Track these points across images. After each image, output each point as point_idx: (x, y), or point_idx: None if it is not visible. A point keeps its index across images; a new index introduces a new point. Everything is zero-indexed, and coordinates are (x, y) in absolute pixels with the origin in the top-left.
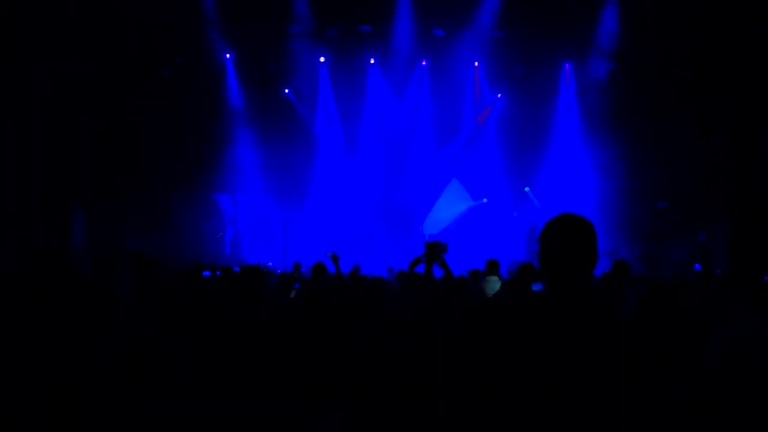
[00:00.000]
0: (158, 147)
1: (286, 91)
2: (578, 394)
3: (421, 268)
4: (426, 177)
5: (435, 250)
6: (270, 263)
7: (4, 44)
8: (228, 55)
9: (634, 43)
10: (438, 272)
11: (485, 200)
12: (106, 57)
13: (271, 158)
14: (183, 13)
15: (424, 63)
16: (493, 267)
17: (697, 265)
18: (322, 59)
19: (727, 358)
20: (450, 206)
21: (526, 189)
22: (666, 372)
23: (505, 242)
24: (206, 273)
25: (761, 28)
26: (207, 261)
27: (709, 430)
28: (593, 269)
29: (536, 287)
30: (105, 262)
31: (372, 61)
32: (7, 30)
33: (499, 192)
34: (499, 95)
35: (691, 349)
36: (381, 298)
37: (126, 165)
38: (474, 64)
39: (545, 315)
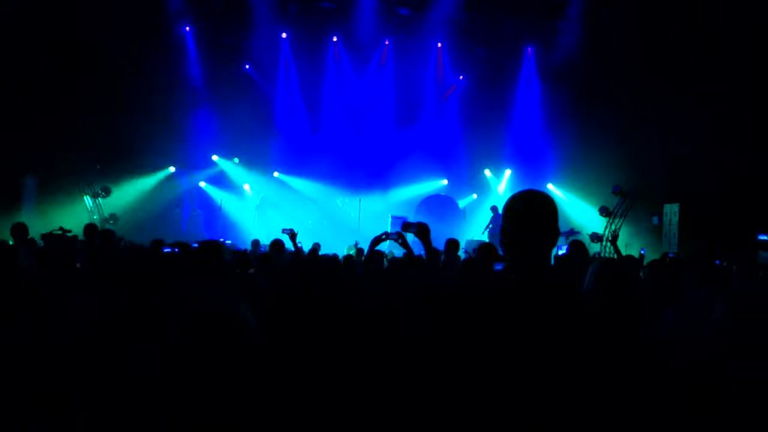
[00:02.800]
0: (115, 120)
1: (247, 66)
2: (548, 376)
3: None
4: (388, 156)
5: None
6: (228, 241)
7: None
8: (188, 28)
9: (596, 28)
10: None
11: (445, 181)
12: (63, 25)
13: (231, 134)
14: None
15: (387, 42)
16: (452, 247)
17: (642, 249)
18: (284, 35)
19: (679, 333)
20: None
21: (485, 171)
22: (627, 351)
23: (465, 224)
24: (167, 249)
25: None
26: (164, 237)
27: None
28: (554, 246)
29: (497, 267)
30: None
31: (335, 39)
32: None
33: (459, 172)
34: (462, 77)
35: (645, 326)
36: (339, 278)
37: (81, 138)
38: (437, 44)
39: (510, 295)
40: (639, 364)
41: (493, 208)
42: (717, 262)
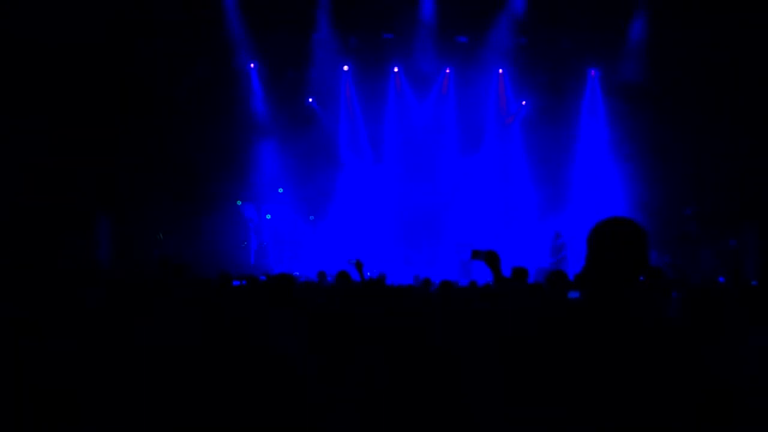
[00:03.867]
0: (183, 156)
1: (310, 100)
2: (628, 411)
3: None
4: (452, 185)
5: (482, 256)
6: (297, 273)
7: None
8: (252, 65)
9: (662, 48)
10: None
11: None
12: (131, 65)
13: (295, 167)
14: (207, 22)
15: (447, 71)
16: (520, 275)
17: (721, 277)
18: (345, 68)
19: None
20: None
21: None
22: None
23: (529, 250)
24: (236, 282)
25: None
26: (232, 270)
27: None
28: (639, 276)
29: (572, 295)
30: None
31: (395, 69)
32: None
33: (526, 199)
34: (524, 102)
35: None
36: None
37: (151, 174)
38: (498, 71)
39: (588, 325)
40: (728, 403)
41: (557, 234)
42: None
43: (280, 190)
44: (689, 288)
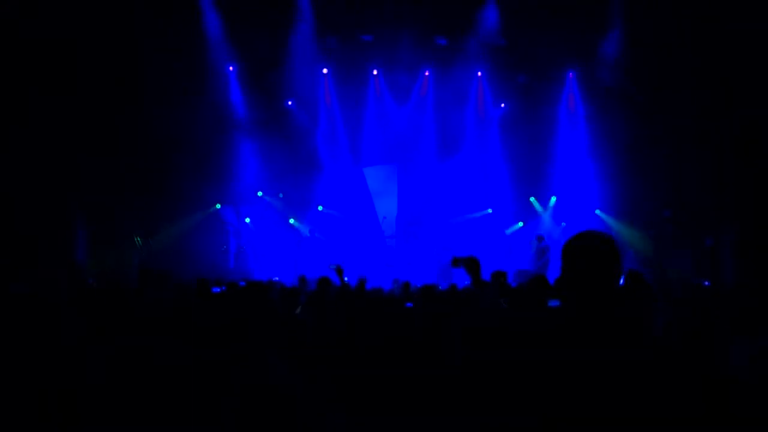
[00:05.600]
0: (160, 158)
1: (289, 102)
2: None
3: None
4: (431, 187)
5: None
6: (276, 278)
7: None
8: (230, 67)
9: (639, 49)
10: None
11: (490, 210)
12: (108, 65)
13: (274, 169)
14: (184, 23)
15: (427, 73)
16: (498, 278)
17: (706, 281)
18: (324, 70)
19: (753, 371)
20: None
21: (532, 199)
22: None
23: (510, 253)
24: (216, 289)
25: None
26: (211, 274)
27: None
28: (616, 284)
29: (552, 303)
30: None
31: (375, 72)
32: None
33: (504, 201)
34: (503, 104)
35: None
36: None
37: (127, 177)
38: (477, 73)
39: (569, 334)
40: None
41: (539, 237)
42: None
43: (281, 195)
44: (671, 294)
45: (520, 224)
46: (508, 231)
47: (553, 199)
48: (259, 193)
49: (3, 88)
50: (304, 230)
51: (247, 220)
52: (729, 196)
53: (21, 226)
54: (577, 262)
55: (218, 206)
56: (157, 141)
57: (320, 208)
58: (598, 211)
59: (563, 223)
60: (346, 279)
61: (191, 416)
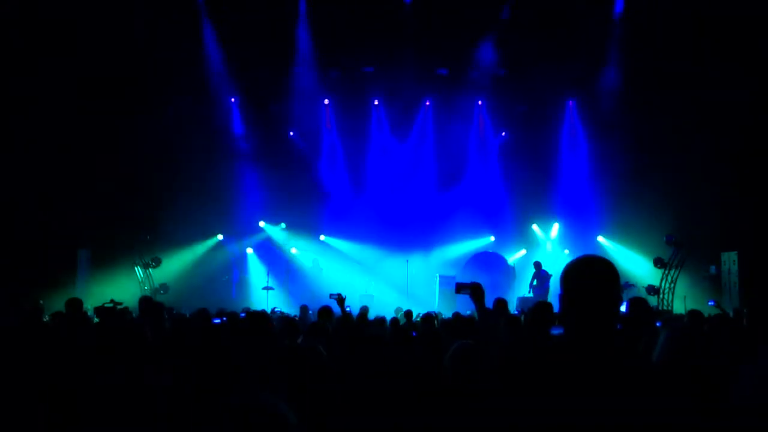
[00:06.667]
0: (164, 190)
1: (291, 133)
2: None
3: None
4: (433, 215)
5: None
6: (277, 309)
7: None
8: (233, 99)
9: (638, 78)
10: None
11: (492, 238)
12: (108, 98)
13: (277, 200)
14: (188, 57)
15: (428, 103)
16: (501, 306)
17: (711, 300)
18: (326, 101)
19: (756, 396)
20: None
21: (533, 226)
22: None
23: (511, 280)
24: (216, 320)
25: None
26: (213, 305)
27: None
28: (617, 311)
29: (555, 331)
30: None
31: (376, 102)
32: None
33: (506, 228)
34: (504, 133)
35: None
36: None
37: (131, 208)
38: (478, 102)
39: (571, 362)
40: None
41: (536, 264)
42: None
43: (282, 226)
44: (674, 322)
45: (523, 252)
46: (511, 260)
47: (556, 225)
48: (262, 223)
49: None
50: (307, 260)
51: (249, 250)
52: (731, 222)
53: (26, 249)
54: (576, 286)
55: (220, 237)
56: (160, 172)
57: (323, 237)
58: (600, 237)
59: (566, 251)
60: (348, 309)
61: None
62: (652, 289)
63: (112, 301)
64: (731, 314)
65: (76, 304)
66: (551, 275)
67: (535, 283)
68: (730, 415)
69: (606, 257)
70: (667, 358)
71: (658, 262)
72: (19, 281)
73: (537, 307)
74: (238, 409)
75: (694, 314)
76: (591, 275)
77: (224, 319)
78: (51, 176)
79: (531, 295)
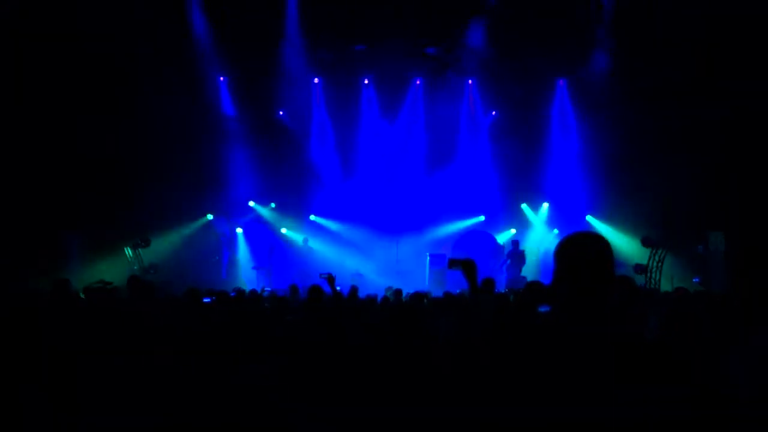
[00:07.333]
0: (152, 170)
1: (281, 113)
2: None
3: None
4: (423, 196)
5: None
6: (268, 287)
7: None
8: (222, 79)
9: (627, 60)
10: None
11: (482, 217)
12: (100, 76)
13: (266, 179)
14: (177, 37)
15: (418, 82)
16: (489, 286)
17: (696, 278)
18: (315, 80)
19: (749, 374)
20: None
21: (523, 205)
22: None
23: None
24: (206, 299)
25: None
26: (204, 285)
27: None
28: (608, 288)
29: (543, 309)
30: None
31: (366, 82)
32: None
33: (496, 208)
34: (494, 112)
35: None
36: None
37: (120, 188)
38: (468, 82)
39: (557, 340)
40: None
41: (515, 242)
42: None
43: (272, 205)
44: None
45: (513, 231)
46: (501, 239)
47: (545, 205)
48: (251, 203)
49: None
50: (297, 239)
51: (239, 230)
52: (720, 202)
53: (14, 233)
54: (568, 263)
55: (210, 216)
56: (149, 151)
57: (312, 217)
58: (589, 217)
59: (555, 230)
60: (338, 288)
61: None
62: (639, 268)
63: (101, 281)
64: (713, 291)
65: (64, 285)
66: (525, 254)
67: (509, 262)
68: (724, 402)
69: (600, 235)
70: (658, 336)
71: (646, 242)
72: (5, 265)
73: (528, 286)
74: None
75: (681, 294)
76: (584, 252)
77: (214, 298)
78: (38, 157)
79: (504, 272)
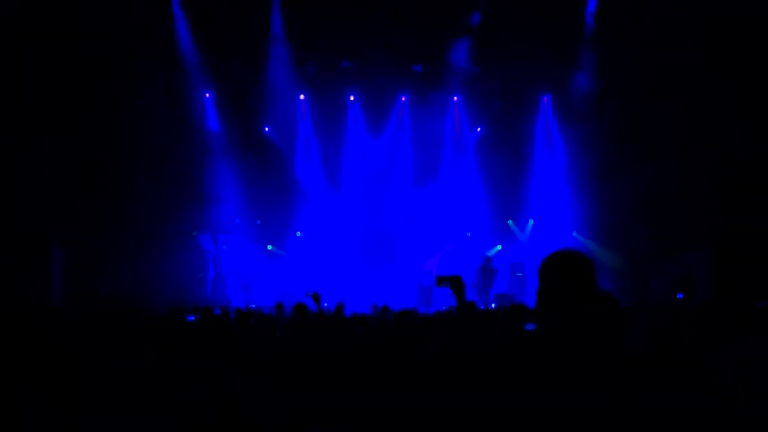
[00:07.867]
0: (137, 185)
1: (266, 129)
2: None
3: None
4: (408, 212)
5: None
6: (252, 304)
7: None
8: (207, 95)
9: (611, 72)
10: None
11: (468, 234)
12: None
13: (252, 196)
14: (162, 52)
15: (404, 99)
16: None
17: (679, 293)
18: (301, 96)
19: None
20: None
21: (510, 222)
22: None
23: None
24: (190, 317)
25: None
26: (189, 301)
27: None
28: (587, 304)
29: (529, 327)
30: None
31: (352, 98)
32: None
33: (482, 225)
34: (479, 128)
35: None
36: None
37: (104, 203)
38: (453, 98)
39: (542, 357)
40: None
41: (486, 259)
42: (758, 305)
43: (258, 222)
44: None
45: (499, 247)
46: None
47: (531, 222)
48: (237, 220)
49: None
50: (283, 256)
51: (224, 246)
52: (703, 217)
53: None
54: (551, 280)
55: (195, 234)
56: (133, 168)
57: (299, 234)
58: (575, 233)
59: (540, 246)
60: (325, 305)
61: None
62: (623, 284)
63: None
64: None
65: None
66: (498, 270)
67: (482, 277)
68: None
69: (583, 252)
70: (642, 349)
71: (630, 257)
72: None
73: (512, 307)
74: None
75: (666, 308)
76: (567, 270)
77: (198, 316)
78: (21, 173)
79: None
